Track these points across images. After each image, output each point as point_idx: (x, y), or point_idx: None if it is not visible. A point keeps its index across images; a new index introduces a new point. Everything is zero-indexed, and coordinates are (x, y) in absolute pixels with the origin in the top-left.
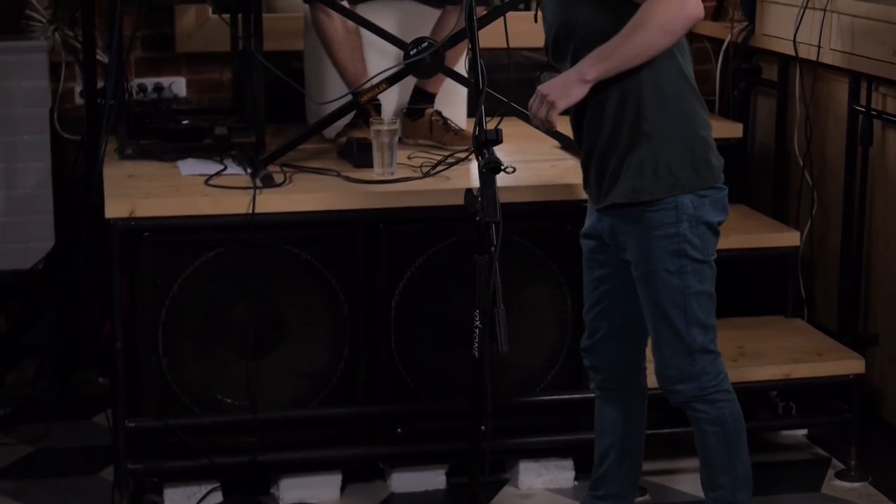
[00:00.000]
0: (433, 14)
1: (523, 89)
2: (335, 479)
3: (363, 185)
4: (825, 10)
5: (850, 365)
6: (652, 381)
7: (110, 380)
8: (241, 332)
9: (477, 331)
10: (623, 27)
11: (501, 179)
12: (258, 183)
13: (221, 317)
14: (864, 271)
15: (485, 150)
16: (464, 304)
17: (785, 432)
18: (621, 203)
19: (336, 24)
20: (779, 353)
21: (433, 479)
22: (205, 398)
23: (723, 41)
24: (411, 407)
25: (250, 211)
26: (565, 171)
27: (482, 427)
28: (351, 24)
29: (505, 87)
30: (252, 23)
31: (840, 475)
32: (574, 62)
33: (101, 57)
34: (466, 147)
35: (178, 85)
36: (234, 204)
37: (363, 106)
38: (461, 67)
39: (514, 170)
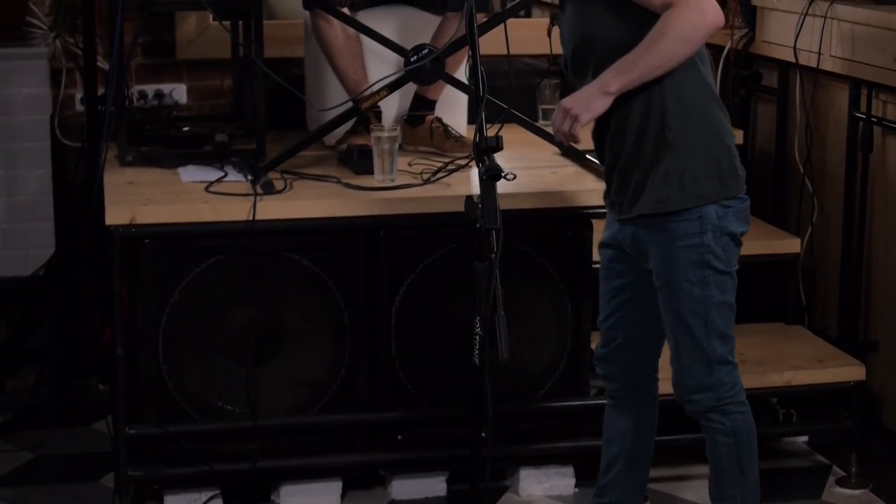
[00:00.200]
0: (433, 21)
1: (524, 96)
2: (335, 486)
3: (364, 192)
4: (825, 16)
5: (851, 372)
6: (661, 389)
7: (111, 386)
8: (242, 339)
9: (477, 337)
10: (643, 38)
11: (502, 186)
12: (259, 190)
13: (222, 323)
14: (864, 278)
15: (485, 157)
16: (464, 311)
17: (786, 439)
18: (647, 214)
19: (336, 30)
20: (779, 360)
21: (434, 485)
22: (205, 405)
23: (723, 48)
24: (412, 414)
25: (251, 218)
26: (565, 177)
27: (482, 434)
28: (351, 30)
29: (505, 94)
30: (252, 29)
31: (841, 482)
32: (595, 76)
33: (102, 64)
34: (467, 154)
35: (178, 92)
36: (235, 211)
37: (364, 113)
38: (461, 74)
39: (515, 177)
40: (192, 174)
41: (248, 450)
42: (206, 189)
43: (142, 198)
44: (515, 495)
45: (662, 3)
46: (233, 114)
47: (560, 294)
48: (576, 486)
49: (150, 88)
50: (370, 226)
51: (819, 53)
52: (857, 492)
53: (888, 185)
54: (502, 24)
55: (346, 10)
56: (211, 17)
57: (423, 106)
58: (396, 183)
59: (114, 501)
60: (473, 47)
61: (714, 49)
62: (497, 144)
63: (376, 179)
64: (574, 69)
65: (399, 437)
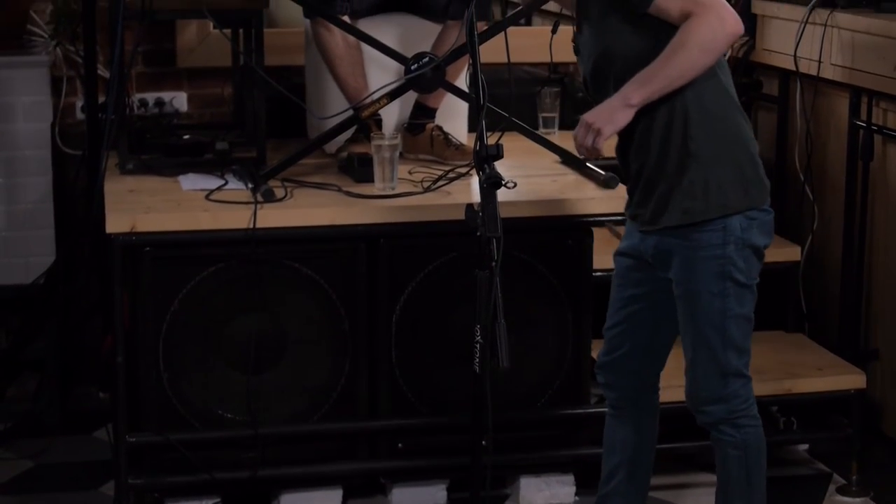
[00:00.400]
0: (434, 29)
1: (524, 104)
2: (336, 494)
3: (364, 200)
4: (825, 25)
5: (851, 380)
6: (664, 397)
7: (111, 395)
8: (242, 347)
9: (478, 346)
10: (662, 50)
11: (502, 194)
12: (259, 198)
13: (222, 332)
14: (864, 286)
15: (485, 166)
16: (465, 319)
17: (786, 447)
18: (672, 226)
19: (337, 39)
20: (779, 368)
21: (434, 493)
22: (206, 413)
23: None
24: (412, 422)
25: (251, 226)
26: (566, 186)
27: (483, 442)
28: (352, 38)
29: (506, 102)
30: (253, 38)
31: (841, 490)
32: (617, 90)
33: (103, 72)
34: (467, 162)
35: (179, 100)
36: (235, 219)
37: (364, 121)
38: (462, 82)
39: (515, 185)
40: (193, 182)
41: (249, 458)
42: (207, 197)
43: (142, 206)
44: (516, 503)
45: (681, 13)
46: (233, 122)
47: (560, 302)
48: (576, 494)
49: (150, 96)
50: (371, 234)
51: (819, 61)
52: (858, 500)
53: (888, 193)
54: (503, 33)
55: (346, 19)
56: (211, 25)
57: (423, 114)
58: (397, 191)
59: None
60: (474, 55)
61: None
62: (497, 153)
63: (377, 187)
64: (595, 86)
65: (399, 445)
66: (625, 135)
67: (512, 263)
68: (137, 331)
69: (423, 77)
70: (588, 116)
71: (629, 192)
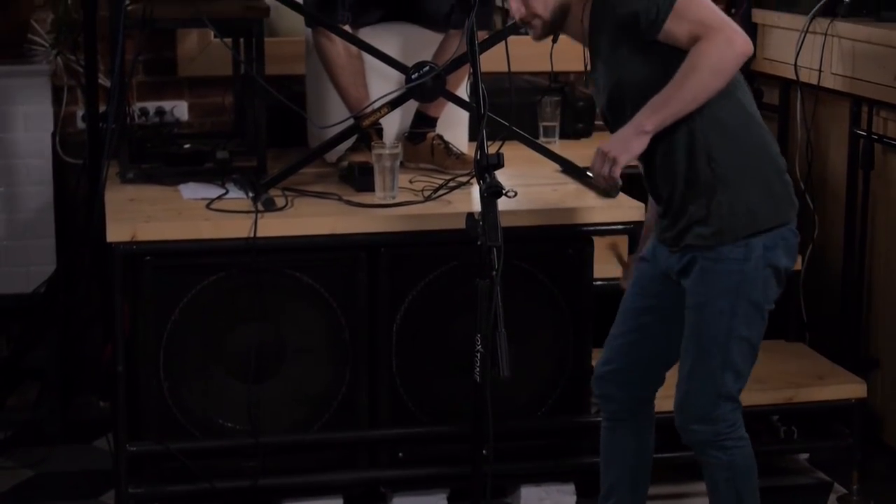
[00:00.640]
0: (435, 38)
1: (525, 113)
2: None
3: (365, 209)
4: (826, 34)
5: (852, 389)
6: (660, 406)
7: (111, 404)
8: (243, 356)
9: (478, 355)
10: (674, 74)
11: (503, 204)
12: (260, 207)
13: (223, 340)
14: (865, 295)
15: (486, 175)
16: (465, 329)
17: (787, 456)
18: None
19: (338, 48)
20: (780, 377)
21: (435, 503)
22: (206, 422)
23: None
24: (413, 431)
25: (252, 235)
26: (566, 195)
27: (483, 451)
28: (353, 48)
29: (506, 112)
30: (254, 47)
31: (842, 500)
32: None
33: (103, 81)
34: (468, 171)
35: (179, 109)
36: (236, 228)
37: (365, 130)
38: (463, 92)
39: (516, 194)
40: (194, 191)
41: (249, 467)
42: (208, 206)
43: (143, 215)
44: None
45: (690, 37)
46: (234, 131)
47: (561, 311)
48: (576, 503)
49: (151, 106)
50: (371, 243)
51: (820, 71)
52: None
53: (889, 202)
54: (503, 42)
55: (347, 28)
56: (212, 34)
57: (424, 123)
58: (397, 200)
59: None
60: (475, 64)
61: None
62: (498, 162)
63: (377, 196)
64: (612, 118)
65: (400, 454)
66: (648, 164)
67: (512, 272)
68: (138, 340)
69: (424, 86)
70: (603, 146)
71: (661, 215)
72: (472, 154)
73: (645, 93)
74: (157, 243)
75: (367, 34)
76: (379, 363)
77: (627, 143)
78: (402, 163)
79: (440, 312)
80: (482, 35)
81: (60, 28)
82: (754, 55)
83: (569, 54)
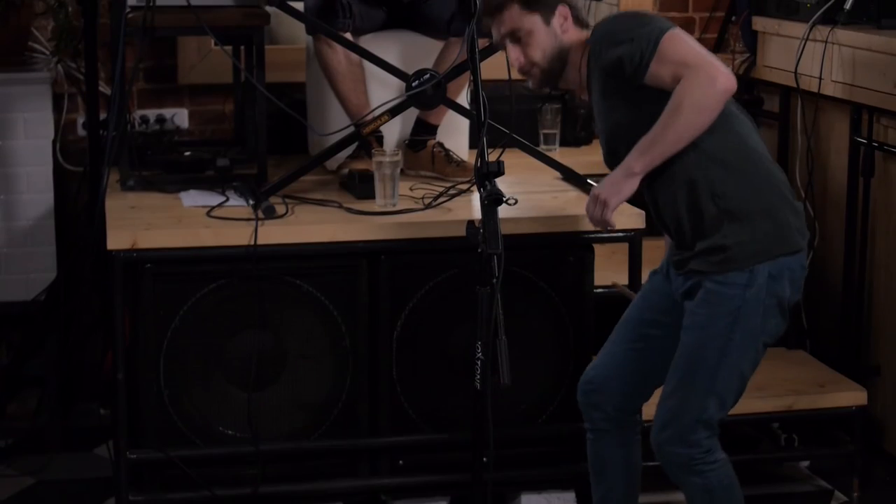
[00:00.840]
0: (435, 46)
1: (525, 121)
2: None
3: (365, 217)
4: (826, 41)
5: (853, 396)
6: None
7: (112, 411)
8: (243, 364)
9: (479, 362)
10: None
11: (503, 211)
12: (260, 214)
13: (223, 348)
14: (866, 302)
15: (486, 182)
16: (466, 336)
17: (787, 464)
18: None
19: (339, 55)
20: (781, 385)
21: None
22: (206, 430)
23: None
24: (413, 438)
25: (252, 242)
26: (567, 202)
27: (484, 458)
28: (354, 55)
29: (507, 119)
30: (254, 54)
31: None
32: None
33: (104, 88)
34: (468, 179)
35: (180, 116)
36: (236, 235)
37: (365, 137)
38: (463, 99)
39: (516, 201)
40: (194, 199)
41: (250, 475)
42: (208, 214)
43: (143, 222)
44: None
45: (673, 78)
46: (234, 138)
47: (561, 318)
48: None
49: (151, 113)
50: (372, 250)
51: (820, 78)
52: None
53: (889, 209)
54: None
55: (348, 36)
56: (213, 41)
57: (424, 130)
58: (398, 207)
59: None
60: (475, 72)
61: None
62: (499, 169)
63: (378, 204)
64: (611, 161)
65: (400, 461)
66: (654, 204)
67: (513, 280)
68: (138, 347)
69: (425, 94)
70: (595, 189)
71: (675, 245)
72: (473, 161)
73: (638, 135)
74: (158, 251)
75: (368, 42)
76: (379, 371)
77: (618, 186)
78: (402, 170)
79: (441, 320)
80: (483, 43)
81: (61, 35)
82: (754, 62)
83: None
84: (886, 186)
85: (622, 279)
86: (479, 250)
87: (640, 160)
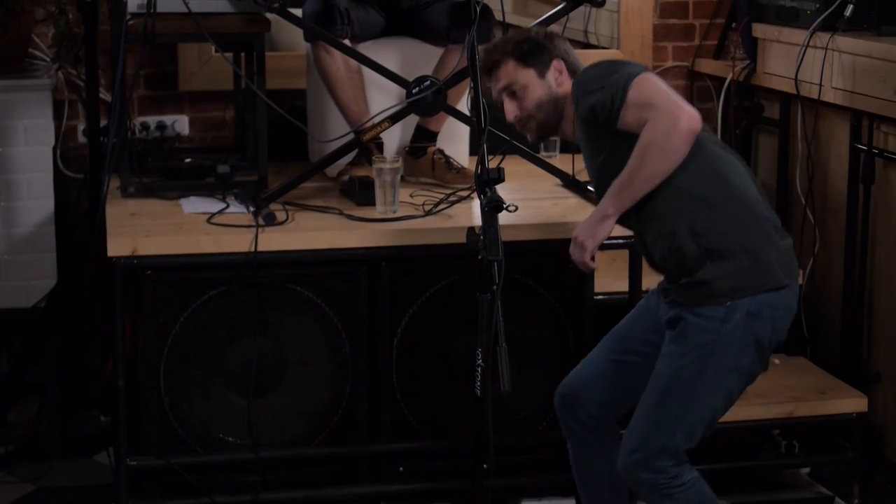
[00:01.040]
0: (435, 53)
1: None
2: None
3: (365, 224)
4: (826, 48)
5: (853, 403)
6: None
7: (112, 418)
8: (243, 371)
9: (479, 369)
10: None
11: (503, 218)
12: (260, 221)
13: (223, 355)
14: (866, 309)
15: (487, 189)
16: (466, 343)
17: (788, 471)
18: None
19: (338, 62)
20: (781, 392)
21: None
22: (207, 437)
23: (724, 79)
24: (413, 445)
25: (252, 249)
26: (567, 209)
27: (484, 465)
28: (353, 62)
29: (507, 126)
30: (254, 61)
31: None
32: None
33: (105, 95)
34: (468, 185)
35: (180, 123)
36: (237, 242)
37: (365, 144)
38: (463, 106)
39: (517, 208)
40: (195, 205)
41: (250, 482)
42: (208, 220)
43: (144, 229)
44: None
45: (639, 122)
46: (235, 145)
47: (562, 325)
48: None
49: (152, 120)
50: (372, 257)
51: (820, 85)
52: None
53: (890, 216)
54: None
55: (347, 42)
56: (213, 48)
57: (424, 137)
58: (398, 214)
59: None
60: (475, 79)
61: (715, 80)
62: (499, 176)
63: (378, 211)
64: (600, 198)
65: (401, 468)
66: (641, 243)
67: (513, 287)
68: (139, 354)
69: (425, 100)
70: (575, 232)
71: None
72: (473, 168)
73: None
74: (158, 258)
75: (368, 48)
76: (379, 377)
77: (593, 229)
78: (402, 177)
79: (441, 327)
80: (482, 49)
81: (61, 42)
82: (755, 69)
83: None
84: (887, 193)
85: (622, 286)
86: (480, 257)
87: (612, 203)
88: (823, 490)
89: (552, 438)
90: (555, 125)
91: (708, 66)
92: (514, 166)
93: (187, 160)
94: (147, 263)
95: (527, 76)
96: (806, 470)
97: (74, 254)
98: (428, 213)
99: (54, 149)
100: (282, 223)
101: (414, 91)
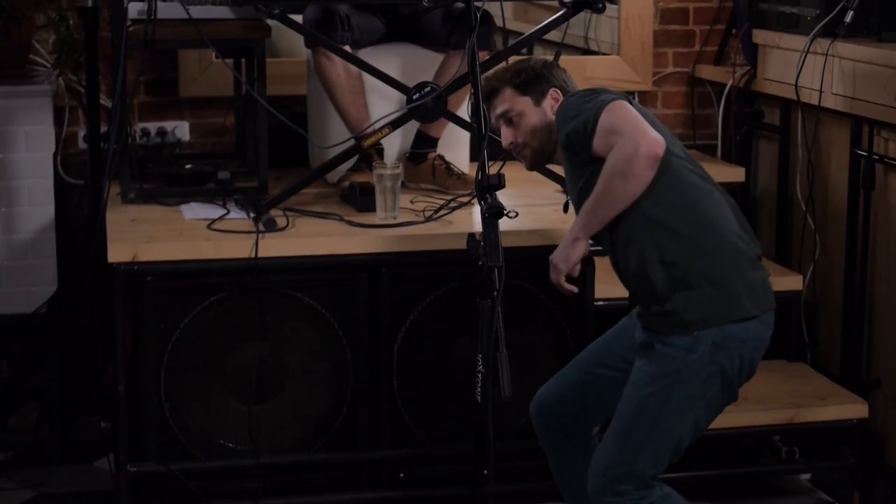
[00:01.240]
0: (436, 59)
1: None
2: None
3: (366, 230)
4: (826, 54)
5: (854, 409)
6: None
7: (112, 424)
8: (244, 377)
9: (479, 375)
10: None
11: (504, 224)
12: (261, 227)
13: (224, 361)
14: (867, 315)
15: (487, 195)
16: (466, 349)
17: (788, 477)
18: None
19: (338, 68)
20: (782, 398)
21: None
22: (207, 443)
23: (725, 85)
24: (414, 451)
25: (253, 255)
26: (568, 215)
27: (485, 471)
28: (353, 68)
29: None
30: (255, 67)
31: None
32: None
33: (105, 101)
34: (469, 191)
35: (181, 129)
36: (237, 248)
37: (366, 150)
38: (464, 112)
39: (517, 214)
40: (195, 211)
41: (250, 488)
42: (209, 226)
43: (144, 235)
44: None
45: (606, 148)
46: (235, 151)
47: (562, 331)
48: None
49: (152, 126)
50: (372, 263)
51: (821, 91)
52: None
53: (890, 222)
54: (504, 62)
55: (348, 48)
56: (213, 54)
57: (425, 143)
58: (398, 220)
59: None
60: (475, 85)
61: (716, 86)
62: (499, 182)
63: (378, 217)
64: None
65: (401, 474)
66: (615, 268)
67: (514, 293)
68: (139, 360)
69: (425, 106)
70: (551, 255)
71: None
72: (474, 174)
73: None
74: (159, 264)
75: (368, 54)
76: (380, 383)
77: (565, 252)
78: (403, 183)
79: (441, 333)
80: (483, 55)
81: (62, 48)
82: (755, 75)
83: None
84: (887, 199)
85: (623, 292)
86: (480, 263)
87: (581, 225)
88: (824, 496)
89: None
90: (549, 152)
91: (708, 72)
92: (514, 172)
93: (188, 166)
94: (147, 269)
95: (523, 103)
96: (806, 476)
97: (75, 260)
98: (428, 219)
99: (55, 155)
100: (282, 229)
101: (414, 97)
